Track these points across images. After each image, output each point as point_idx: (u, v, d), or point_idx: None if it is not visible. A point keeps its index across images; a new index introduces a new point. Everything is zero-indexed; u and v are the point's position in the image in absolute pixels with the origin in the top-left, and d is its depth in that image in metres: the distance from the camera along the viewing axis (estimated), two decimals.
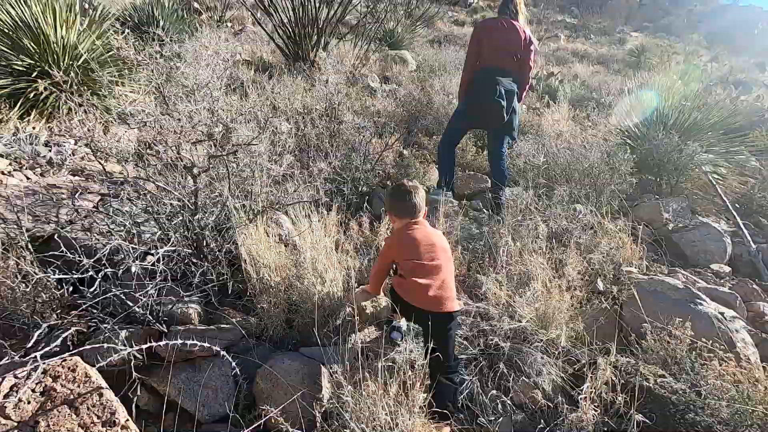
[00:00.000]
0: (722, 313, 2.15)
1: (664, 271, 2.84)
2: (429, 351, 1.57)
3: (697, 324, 1.96)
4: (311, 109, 3.38)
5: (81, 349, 1.29)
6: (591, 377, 1.54)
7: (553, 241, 2.47)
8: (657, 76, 5.81)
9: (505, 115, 3.11)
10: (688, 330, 1.81)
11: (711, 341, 1.84)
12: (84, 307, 1.47)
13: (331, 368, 1.68)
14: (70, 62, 3.49)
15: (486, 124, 3.32)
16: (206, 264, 1.82)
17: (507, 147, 3.32)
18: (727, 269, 3.05)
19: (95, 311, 1.55)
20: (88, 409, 1.14)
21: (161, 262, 1.60)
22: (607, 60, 13.65)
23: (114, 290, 1.56)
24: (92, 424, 1.13)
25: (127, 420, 1.20)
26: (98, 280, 1.47)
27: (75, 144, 3.07)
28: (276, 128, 2.48)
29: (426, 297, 1.65)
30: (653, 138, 4.12)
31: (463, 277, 2.41)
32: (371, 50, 7.97)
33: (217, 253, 1.91)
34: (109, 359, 1.20)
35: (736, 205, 4.04)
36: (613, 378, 1.53)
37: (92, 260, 1.44)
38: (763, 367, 1.62)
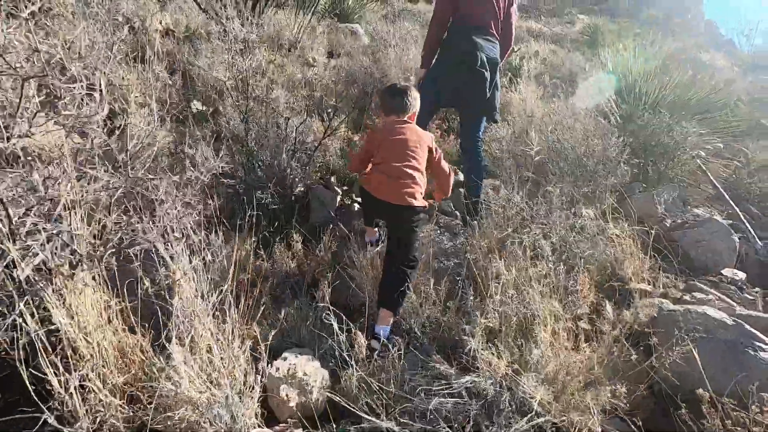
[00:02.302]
0: None
1: (680, 285, 2.28)
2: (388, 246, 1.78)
3: (756, 376, 1.40)
4: (223, 83, 2.47)
5: None
6: None
7: (560, 263, 1.79)
8: (614, 52, 5.33)
9: (487, 90, 2.35)
10: None
11: None
12: None
13: None
14: None
15: (462, 102, 2.46)
16: None
17: (483, 132, 2.59)
18: (742, 275, 2.54)
19: None
20: None
21: None
22: (561, 39, 13.43)
23: None
24: None
25: None
26: None
27: None
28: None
29: (384, 188, 1.75)
30: (639, 118, 3.58)
31: (435, 323, 1.69)
32: (317, 20, 6.96)
33: None
34: None
35: (724, 192, 3.63)
36: None
37: None
38: None
